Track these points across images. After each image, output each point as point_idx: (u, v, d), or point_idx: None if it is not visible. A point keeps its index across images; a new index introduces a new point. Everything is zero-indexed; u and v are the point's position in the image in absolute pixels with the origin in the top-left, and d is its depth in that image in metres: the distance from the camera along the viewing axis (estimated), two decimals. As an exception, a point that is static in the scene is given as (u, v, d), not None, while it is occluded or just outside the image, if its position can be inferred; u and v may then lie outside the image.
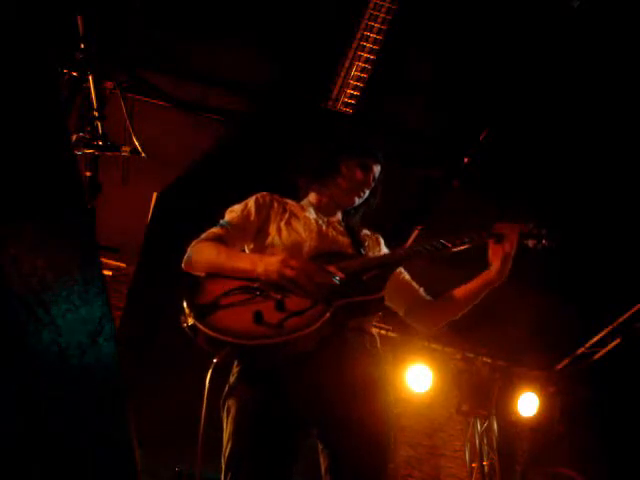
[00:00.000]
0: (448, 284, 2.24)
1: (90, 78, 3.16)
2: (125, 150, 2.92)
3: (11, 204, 0.89)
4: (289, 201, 2.32)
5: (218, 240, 2.07)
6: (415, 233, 4.92)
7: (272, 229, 2.16)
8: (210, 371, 1.75)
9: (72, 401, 0.88)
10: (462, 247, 2.10)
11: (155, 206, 4.94)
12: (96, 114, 3.09)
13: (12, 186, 0.90)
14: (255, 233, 2.18)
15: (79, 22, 3.01)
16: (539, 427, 6.40)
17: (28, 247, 0.88)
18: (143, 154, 2.93)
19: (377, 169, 2.36)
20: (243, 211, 2.19)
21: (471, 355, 6.52)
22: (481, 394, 6.35)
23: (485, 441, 6.40)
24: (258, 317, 1.75)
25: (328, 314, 1.81)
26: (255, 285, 1.88)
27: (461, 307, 2.19)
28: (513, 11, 3.55)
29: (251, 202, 2.22)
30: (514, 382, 6.54)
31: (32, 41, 0.97)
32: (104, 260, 5.66)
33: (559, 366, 6.58)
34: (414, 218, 4.90)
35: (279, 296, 1.84)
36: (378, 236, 2.39)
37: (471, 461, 6.37)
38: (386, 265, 2.08)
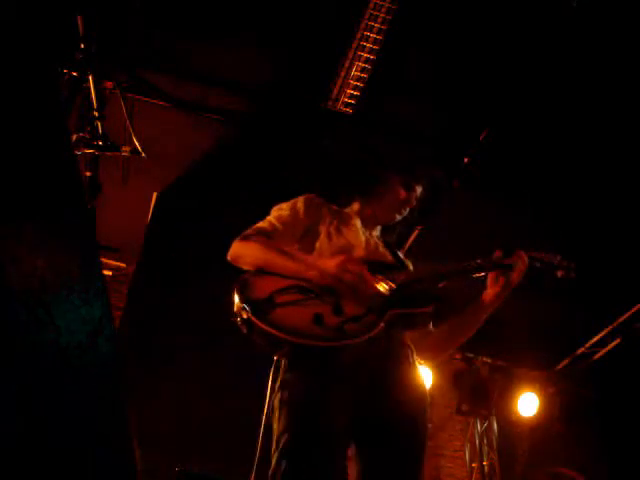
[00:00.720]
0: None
1: (90, 78, 3.16)
2: (125, 150, 2.93)
3: (11, 204, 0.89)
4: (336, 207, 2.30)
5: (266, 236, 2.06)
6: (415, 233, 4.92)
7: (322, 232, 2.14)
8: (272, 369, 1.76)
9: (72, 401, 0.88)
10: (482, 273, 2.09)
11: (155, 206, 4.94)
12: (96, 114, 3.09)
13: (12, 186, 0.90)
14: (302, 233, 2.15)
15: (79, 22, 3.01)
16: (539, 427, 6.39)
17: (28, 247, 0.88)
18: (143, 154, 2.93)
19: (419, 190, 2.37)
20: (292, 209, 2.17)
21: (471, 355, 6.52)
22: (481, 394, 6.35)
23: (485, 441, 6.40)
24: (318, 319, 1.76)
25: (383, 323, 1.83)
26: (308, 286, 1.87)
27: (458, 338, 2.17)
28: (513, 11, 3.55)
29: (300, 202, 2.20)
30: (514, 382, 6.54)
31: (32, 41, 0.97)
32: (104, 260, 5.66)
33: (559, 366, 6.57)
34: (414, 218, 4.89)
35: (333, 299, 1.84)
36: (409, 261, 2.38)
37: (471, 461, 6.38)
38: (432, 280, 2.08)
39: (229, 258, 2.05)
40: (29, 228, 0.89)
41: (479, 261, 2.10)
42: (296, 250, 2.12)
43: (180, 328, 4.10)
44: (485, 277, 2.12)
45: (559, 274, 2.19)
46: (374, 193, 2.33)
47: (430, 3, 3.65)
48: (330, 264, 1.89)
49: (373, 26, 3.75)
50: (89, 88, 3.22)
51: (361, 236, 2.20)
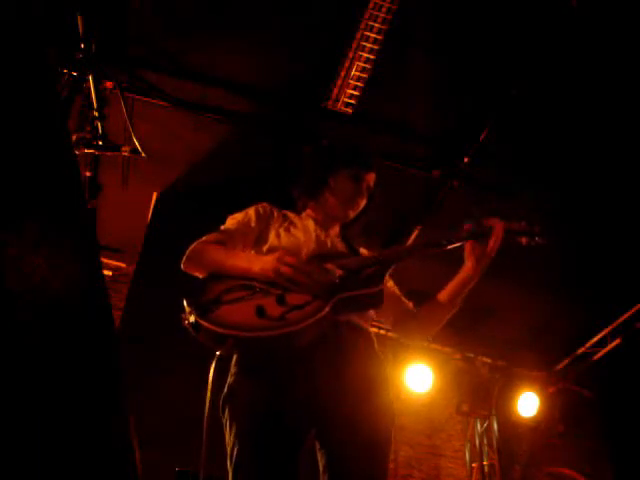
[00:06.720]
0: (441, 280, 2.23)
1: (90, 78, 3.17)
2: (125, 150, 2.92)
3: (11, 204, 0.89)
4: (289, 212, 2.34)
5: (219, 243, 2.11)
6: (415, 233, 4.92)
7: (271, 235, 2.18)
8: (214, 363, 1.78)
9: (73, 402, 0.88)
10: (456, 245, 2.12)
11: (155, 206, 4.94)
12: (96, 114, 3.10)
13: (12, 186, 0.90)
14: (255, 240, 2.20)
15: (79, 22, 3.01)
16: (539, 427, 6.40)
17: (29, 247, 0.88)
18: (143, 154, 2.93)
19: (371, 178, 2.34)
20: (244, 218, 2.22)
21: (471, 355, 6.52)
22: (481, 394, 6.35)
23: (485, 441, 6.40)
24: (260, 311, 1.79)
25: (328, 307, 1.84)
26: (254, 283, 1.91)
27: (444, 313, 2.18)
28: (513, 11, 3.55)
29: (252, 210, 2.26)
30: (514, 382, 6.54)
31: (32, 41, 0.97)
32: (104, 260, 5.66)
33: (559, 366, 6.58)
34: (414, 218, 4.90)
35: (279, 292, 1.87)
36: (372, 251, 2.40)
37: (471, 461, 6.38)
38: (383, 262, 2.09)
39: (182, 267, 2.09)
40: (29, 228, 0.90)
41: (452, 234, 2.12)
42: (242, 251, 2.17)
43: (180, 328, 4.09)
44: (461, 249, 2.13)
45: (523, 241, 2.16)
46: (323, 195, 2.34)
47: (430, 3, 3.65)
48: (268, 259, 1.93)
49: (373, 26, 3.75)
50: (89, 88, 3.22)
51: (312, 233, 2.22)
